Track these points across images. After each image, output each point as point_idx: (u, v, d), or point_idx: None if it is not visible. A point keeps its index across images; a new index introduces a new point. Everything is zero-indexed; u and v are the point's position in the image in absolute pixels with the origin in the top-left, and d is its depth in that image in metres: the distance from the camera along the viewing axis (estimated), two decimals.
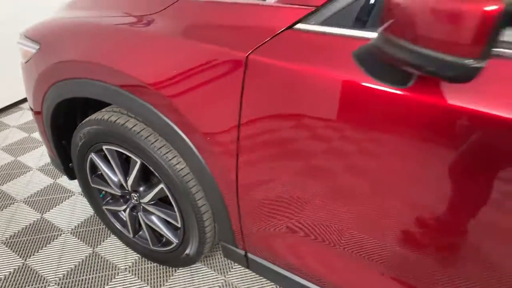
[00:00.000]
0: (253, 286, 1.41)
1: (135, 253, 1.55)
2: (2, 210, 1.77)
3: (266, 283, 1.41)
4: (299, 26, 0.81)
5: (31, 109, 1.48)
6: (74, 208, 1.77)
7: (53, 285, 1.40)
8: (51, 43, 1.25)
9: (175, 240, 1.33)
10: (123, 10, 1.16)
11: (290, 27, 0.82)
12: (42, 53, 1.26)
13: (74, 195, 1.84)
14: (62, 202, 1.82)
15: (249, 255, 1.16)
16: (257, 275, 1.41)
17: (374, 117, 0.70)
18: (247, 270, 1.39)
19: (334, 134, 0.76)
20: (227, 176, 1.00)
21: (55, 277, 1.43)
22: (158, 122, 1.04)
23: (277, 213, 0.98)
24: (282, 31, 0.82)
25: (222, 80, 0.88)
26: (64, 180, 1.95)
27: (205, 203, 1.14)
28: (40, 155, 2.20)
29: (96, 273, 1.46)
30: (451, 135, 0.65)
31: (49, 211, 1.76)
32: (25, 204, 1.79)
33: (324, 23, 0.78)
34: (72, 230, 1.66)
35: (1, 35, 2.60)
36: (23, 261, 1.50)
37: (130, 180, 1.28)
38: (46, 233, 1.64)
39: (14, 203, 1.80)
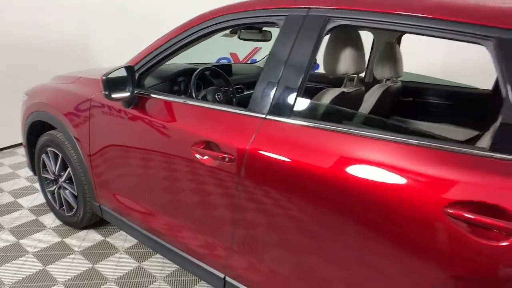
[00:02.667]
0: None
1: None
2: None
3: None
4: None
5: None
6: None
7: None
8: (33, 94, 2.45)
9: (75, 205, 2.32)
10: (63, 81, 2.35)
11: None
12: (28, 99, 2.46)
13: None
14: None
15: (102, 206, 2.13)
16: None
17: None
18: None
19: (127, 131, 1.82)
20: (86, 162, 2.04)
21: None
22: (67, 133, 2.13)
23: (112, 179, 1.98)
24: None
25: (83, 114, 1.98)
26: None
27: (84, 178, 2.16)
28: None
29: None
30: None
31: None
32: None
33: None
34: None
35: None
36: None
37: (57, 168, 2.34)
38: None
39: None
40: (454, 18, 1.06)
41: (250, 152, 1.32)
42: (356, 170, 1.11)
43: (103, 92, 1.59)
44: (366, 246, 1.11)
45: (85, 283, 1.96)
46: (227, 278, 1.55)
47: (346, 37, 1.51)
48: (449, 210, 0.95)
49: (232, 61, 5.02)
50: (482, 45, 1.02)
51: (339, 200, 1.14)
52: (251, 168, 1.32)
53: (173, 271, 2.09)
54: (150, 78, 1.94)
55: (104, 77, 1.57)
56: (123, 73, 1.67)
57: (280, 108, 1.31)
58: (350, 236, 1.14)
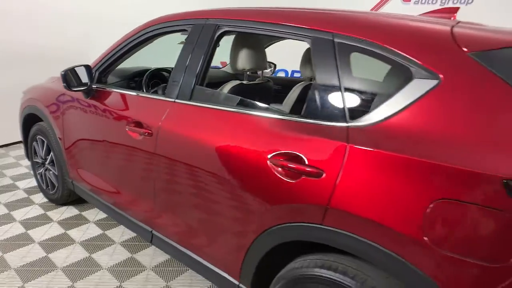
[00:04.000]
0: None
1: None
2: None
3: None
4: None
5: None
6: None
7: None
8: (27, 92, 2.96)
9: (56, 183, 2.78)
10: (50, 80, 2.84)
11: None
12: (24, 96, 2.97)
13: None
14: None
15: (73, 181, 2.58)
16: None
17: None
18: None
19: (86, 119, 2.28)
20: (61, 144, 2.50)
21: None
22: (48, 122, 2.61)
23: (76, 157, 2.44)
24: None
25: (58, 105, 2.46)
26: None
27: (61, 159, 2.62)
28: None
29: None
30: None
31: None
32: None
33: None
34: None
35: None
36: None
37: (43, 152, 2.82)
38: None
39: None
40: (293, 23, 1.45)
41: (161, 127, 1.73)
42: (222, 137, 1.50)
43: (63, 84, 2.05)
44: (232, 192, 1.48)
45: (58, 243, 2.41)
46: (154, 232, 1.95)
47: (243, 41, 1.90)
48: (271, 159, 1.32)
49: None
50: (306, 42, 1.41)
51: (212, 160, 1.52)
52: (161, 139, 1.73)
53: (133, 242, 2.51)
54: (112, 77, 2.40)
55: (62, 73, 2.03)
56: (83, 70, 2.12)
57: (184, 94, 1.72)
58: (225, 187, 1.52)
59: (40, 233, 2.52)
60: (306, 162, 1.24)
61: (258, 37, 1.98)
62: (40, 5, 4.20)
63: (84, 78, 2.13)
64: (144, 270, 2.19)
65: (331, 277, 1.21)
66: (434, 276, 1.01)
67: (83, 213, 2.82)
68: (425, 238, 1.00)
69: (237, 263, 1.52)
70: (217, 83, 2.06)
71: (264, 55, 1.99)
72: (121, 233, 2.56)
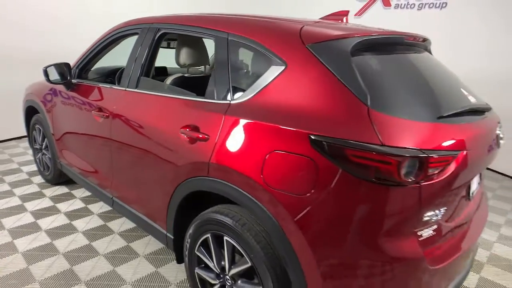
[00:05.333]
0: None
1: None
2: None
3: None
4: None
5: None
6: None
7: None
8: (28, 88, 3.47)
9: (50, 165, 3.27)
10: None
11: None
12: (26, 91, 3.49)
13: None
14: None
15: (60, 161, 3.06)
16: None
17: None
18: None
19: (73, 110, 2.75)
20: (51, 130, 2.99)
21: None
22: (42, 112, 3.10)
23: (60, 139, 2.92)
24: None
25: (48, 97, 2.95)
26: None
27: (52, 143, 3.10)
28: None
29: None
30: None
31: None
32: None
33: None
34: None
35: None
36: None
37: (40, 139, 3.33)
38: None
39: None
40: (203, 26, 1.85)
41: (114, 110, 2.16)
42: (153, 116, 1.92)
43: (44, 77, 2.53)
44: (159, 158, 1.88)
45: (46, 213, 2.89)
46: (114, 198, 2.38)
47: (183, 40, 2.27)
48: (181, 130, 1.72)
49: None
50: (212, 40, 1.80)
51: (146, 132, 1.93)
52: (114, 120, 2.16)
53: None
54: (93, 74, 2.86)
55: (43, 68, 2.51)
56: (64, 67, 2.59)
57: (132, 83, 2.14)
58: (155, 154, 1.92)
59: (33, 205, 3.01)
60: (200, 130, 1.63)
61: (198, 37, 2.39)
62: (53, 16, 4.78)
63: (66, 74, 2.60)
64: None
65: (219, 218, 1.58)
66: (268, 207, 1.37)
67: (72, 191, 3.30)
68: (264, 180, 1.37)
69: (164, 215, 1.92)
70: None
71: (203, 52, 2.38)
72: (100, 206, 3.01)
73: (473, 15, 4.61)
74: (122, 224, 2.75)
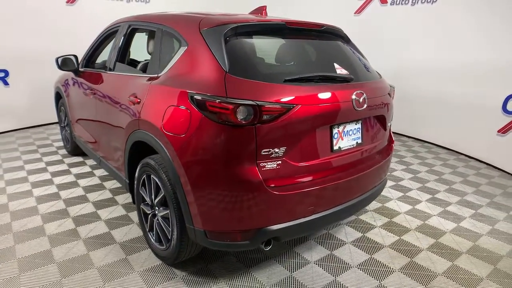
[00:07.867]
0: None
1: None
2: None
3: None
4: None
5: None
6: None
7: None
8: (57, 79, 4.34)
9: (69, 138, 4.09)
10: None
11: None
12: (56, 81, 4.36)
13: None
14: None
15: (73, 134, 3.85)
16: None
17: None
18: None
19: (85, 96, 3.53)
20: (68, 108, 3.79)
21: None
22: (63, 97, 3.92)
23: (73, 117, 3.70)
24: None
25: (66, 84, 3.75)
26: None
27: (69, 120, 3.90)
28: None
29: None
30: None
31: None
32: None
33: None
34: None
35: None
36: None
37: (63, 117, 4.16)
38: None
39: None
40: (148, 21, 2.46)
41: (98, 88, 2.86)
42: (117, 89, 2.57)
43: (56, 66, 3.31)
44: (119, 119, 2.52)
45: (60, 172, 3.68)
46: (100, 158, 3.08)
47: (148, 34, 2.91)
48: (128, 97, 2.34)
49: None
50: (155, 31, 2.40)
51: (111, 101, 2.58)
52: (97, 95, 2.85)
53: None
54: (98, 64, 3.61)
55: (56, 58, 3.29)
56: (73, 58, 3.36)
57: (111, 67, 2.81)
58: (116, 117, 2.56)
59: (53, 168, 3.84)
60: (137, 96, 2.24)
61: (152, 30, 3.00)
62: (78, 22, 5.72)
63: (73, 63, 3.36)
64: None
65: (149, 162, 2.16)
66: (166, 146, 1.93)
67: (86, 161, 4.10)
68: (162, 127, 1.93)
69: (123, 164, 2.55)
70: None
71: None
72: (113, 183, 3.76)
73: (462, 9, 4.76)
74: (126, 198, 3.45)
